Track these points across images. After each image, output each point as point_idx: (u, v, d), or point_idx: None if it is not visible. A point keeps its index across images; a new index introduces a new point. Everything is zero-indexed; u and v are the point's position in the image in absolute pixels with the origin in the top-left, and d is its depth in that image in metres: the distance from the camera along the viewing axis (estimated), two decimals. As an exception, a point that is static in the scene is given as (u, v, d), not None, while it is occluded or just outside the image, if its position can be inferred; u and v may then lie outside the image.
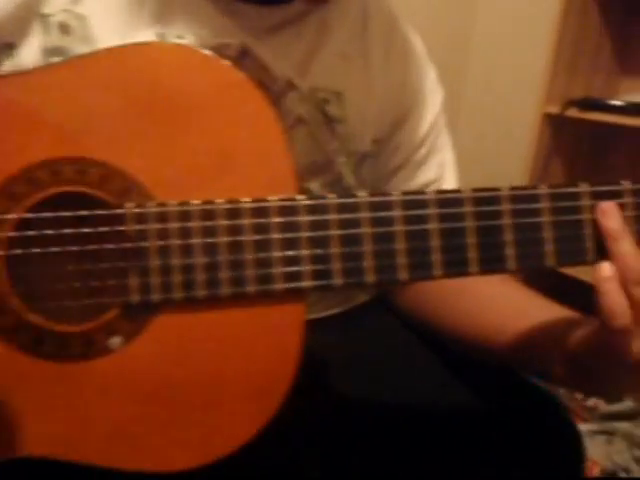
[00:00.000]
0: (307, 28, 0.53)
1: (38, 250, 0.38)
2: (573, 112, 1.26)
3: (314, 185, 0.55)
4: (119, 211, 0.38)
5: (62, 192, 0.39)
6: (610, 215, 0.38)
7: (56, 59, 0.46)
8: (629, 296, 0.36)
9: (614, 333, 0.37)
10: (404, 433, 0.54)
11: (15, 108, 0.40)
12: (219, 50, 0.47)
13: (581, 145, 1.43)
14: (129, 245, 0.38)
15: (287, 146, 0.40)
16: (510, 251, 0.40)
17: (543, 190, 0.40)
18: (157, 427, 0.39)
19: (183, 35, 0.47)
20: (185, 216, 0.38)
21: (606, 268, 0.37)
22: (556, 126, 1.32)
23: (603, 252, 0.39)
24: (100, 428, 0.38)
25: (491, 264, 0.40)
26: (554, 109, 1.27)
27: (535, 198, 0.40)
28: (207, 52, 0.41)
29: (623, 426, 1.07)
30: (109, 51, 0.41)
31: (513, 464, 0.53)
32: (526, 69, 1.47)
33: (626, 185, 0.40)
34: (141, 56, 0.41)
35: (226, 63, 0.41)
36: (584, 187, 0.40)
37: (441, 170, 0.62)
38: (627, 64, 1.44)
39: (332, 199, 0.39)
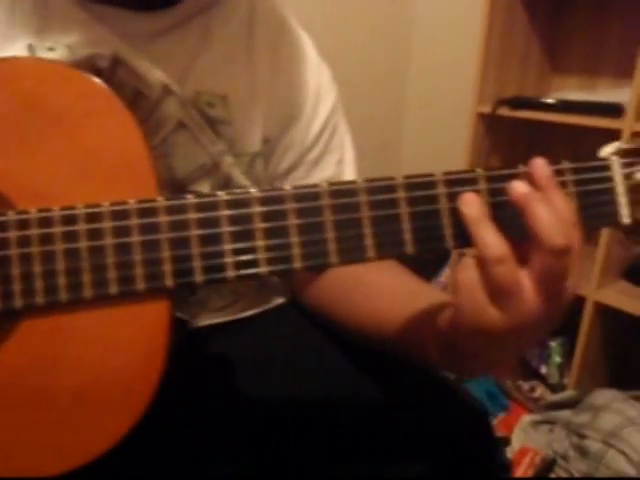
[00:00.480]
0: (189, 33, 0.54)
1: None
2: (504, 111, 1.29)
3: (204, 187, 0.55)
4: (-21, 221, 0.39)
5: None
6: (469, 203, 0.40)
7: None
8: (488, 275, 0.37)
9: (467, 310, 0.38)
10: (313, 431, 0.55)
11: None
12: (91, 60, 0.48)
13: (517, 143, 1.47)
14: (-10, 254, 0.39)
15: (148, 152, 0.41)
16: (369, 241, 0.41)
17: (399, 181, 0.41)
18: (28, 433, 0.39)
19: (54, 47, 0.48)
20: (45, 222, 0.39)
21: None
22: (490, 125, 1.35)
23: (466, 238, 0.40)
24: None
25: (351, 254, 0.41)
26: (486, 108, 1.31)
27: (392, 189, 0.41)
28: (67, 65, 0.43)
29: (564, 415, 1.09)
30: None
31: (425, 457, 0.54)
32: (461, 70, 1.50)
33: (479, 172, 0.42)
34: (2, 72, 0.42)
35: (86, 75, 0.42)
36: (438, 176, 0.42)
37: (340, 168, 0.63)
38: (557, 62, 1.48)
39: (191, 199, 0.40)
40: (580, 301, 1.19)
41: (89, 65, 0.48)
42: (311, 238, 0.40)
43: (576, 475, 0.97)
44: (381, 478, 0.55)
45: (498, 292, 0.37)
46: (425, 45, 1.76)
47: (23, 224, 0.39)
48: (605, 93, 1.29)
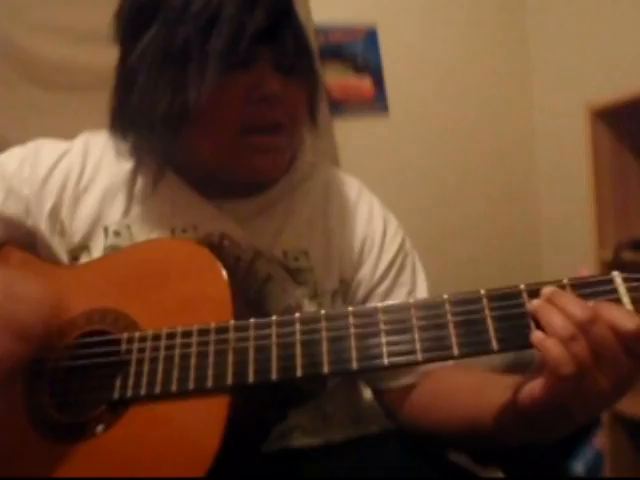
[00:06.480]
0: (277, 212, 0.73)
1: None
2: (628, 255, 1.27)
3: None
4: (117, 337, 0.58)
5: (91, 330, 0.60)
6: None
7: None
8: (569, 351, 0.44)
9: (564, 380, 0.44)
10: None
11: (78, 280, 0.65)
12: (207, 237, 0.69)
13: None
14: (119, 358, 0.57)
15: (232, 295, 0.57)
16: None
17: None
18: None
19: (186, 228, 0.69)
20: (156, 338, 0.56)
21: (539, 332, 0.47)
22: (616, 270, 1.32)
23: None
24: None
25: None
26: (608, 254, 1.30)
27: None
28: (186, 239, 0.64)
29: None
30: (131, 246, 0.67)
31: None
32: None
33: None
34: (146, 248, 0.65)
35: (196, 245, 0.63)
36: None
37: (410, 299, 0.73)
38: None
39: (251, 320, 0.55)
40: None
41: (206, 240, 0.68)
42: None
43: None
44: None
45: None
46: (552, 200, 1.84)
47: (142, 339, 0.57)
48: None
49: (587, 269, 0.50)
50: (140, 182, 0.72)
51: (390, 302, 0.53)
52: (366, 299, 0.74)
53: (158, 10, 0.61)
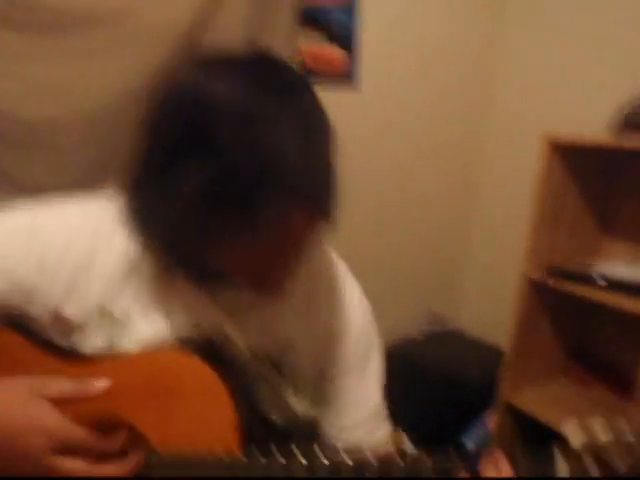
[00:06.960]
0: (270, 303, 0.75)
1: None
2: (552, 282, 1.40)
3: (274, 414, 0.76)
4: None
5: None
6: None
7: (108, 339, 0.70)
8: None
9: None
10: None
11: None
12: (211, 337, 0.72)
13: (566, 314, 1.56)
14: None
15: (234, 416, 0.64)
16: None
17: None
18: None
19: (188, 325, 0.71)
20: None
21: None
22: (538, 292, 1.47)
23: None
24: None
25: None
26: (536, 275, 1.43)
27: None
28: (192, 356, 0.68)
29: None
30: (138, 355, 0.69)
31: None
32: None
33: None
34: (157, 359, 0.69)
35: (206, 367, 0.67)
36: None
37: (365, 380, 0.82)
38: (608, 229, 1.57)
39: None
40: None
41: (209, 342, 0.72)
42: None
43: None
44: None
45: None
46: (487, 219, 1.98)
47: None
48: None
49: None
50: (147, 272, 0.71)
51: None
52: (337, 390, 0.81)
53: (205, 142, 0.56)
